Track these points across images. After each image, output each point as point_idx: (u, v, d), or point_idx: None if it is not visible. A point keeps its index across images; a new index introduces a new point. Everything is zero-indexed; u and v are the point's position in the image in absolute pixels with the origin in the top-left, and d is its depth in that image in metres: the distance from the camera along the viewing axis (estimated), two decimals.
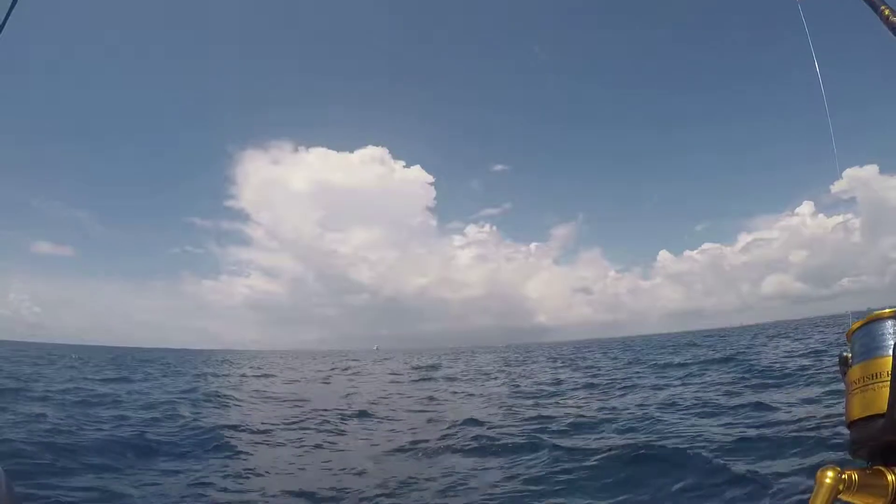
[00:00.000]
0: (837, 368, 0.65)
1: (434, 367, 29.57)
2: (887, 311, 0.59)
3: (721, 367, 16.32)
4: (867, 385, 0.55)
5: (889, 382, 0.53)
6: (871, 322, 0.59)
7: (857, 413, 0.56)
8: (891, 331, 0.57)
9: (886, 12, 0.84)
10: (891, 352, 0.54)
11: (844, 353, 0.64)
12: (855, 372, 0.59)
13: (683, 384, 13.70)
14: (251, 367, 31.38)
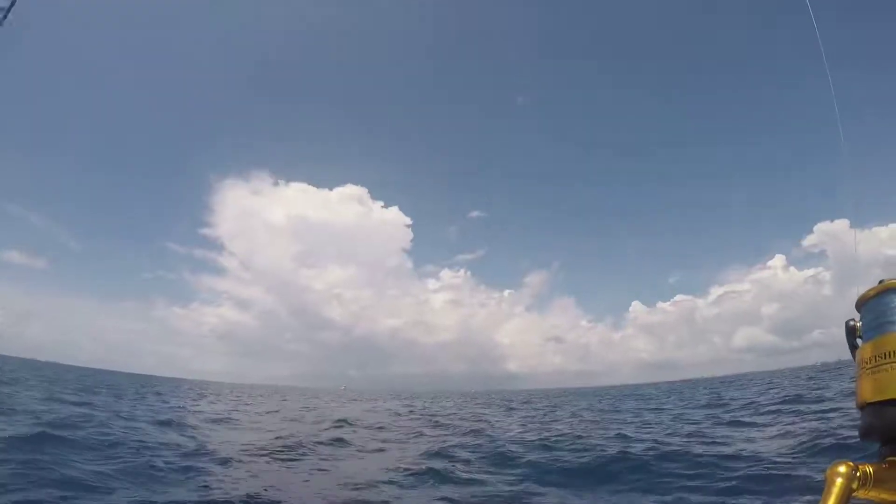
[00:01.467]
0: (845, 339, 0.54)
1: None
2: None
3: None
4: (880, 365, 0.47)
5: None
6: (886, 292, 0.50)
7: (870, 396, 0.49)
8: None
9: None
10: None
11: (852, 322, 0.55)
12: (866, 350, 0.50)
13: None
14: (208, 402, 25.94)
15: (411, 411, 23.84)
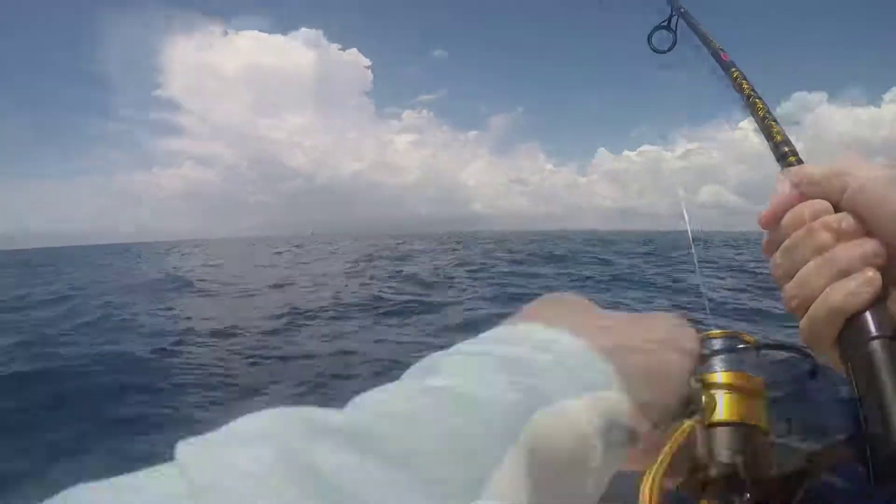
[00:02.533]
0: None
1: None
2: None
3: None
4: None
5: None
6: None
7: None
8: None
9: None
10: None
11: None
12: None
13: None
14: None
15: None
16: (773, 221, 0.49)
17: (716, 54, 0.84)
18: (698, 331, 0.43)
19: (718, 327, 0.57)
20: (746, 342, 0.54)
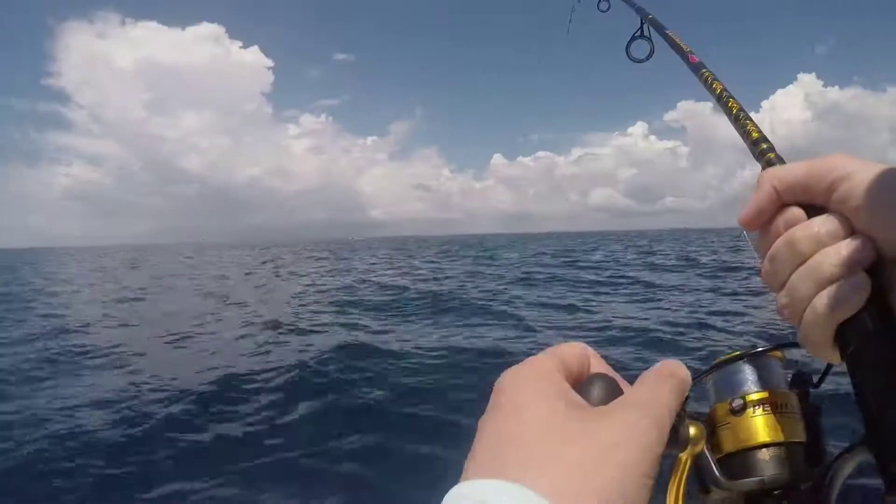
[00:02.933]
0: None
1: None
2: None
3: None
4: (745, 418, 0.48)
5: None
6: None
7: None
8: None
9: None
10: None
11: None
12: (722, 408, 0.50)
13: None
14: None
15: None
16: (752, 223, 0.47)
17: (685, 57, 0.85)
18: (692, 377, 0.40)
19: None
20: (745, 354, 0.53)
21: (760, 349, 0.53)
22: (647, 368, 0.38)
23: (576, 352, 0.39)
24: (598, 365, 0.40)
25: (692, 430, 0.40)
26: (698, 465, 0.50)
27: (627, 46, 1.20)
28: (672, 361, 0.38)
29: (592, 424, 0.31)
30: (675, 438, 0.39)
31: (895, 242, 0.40)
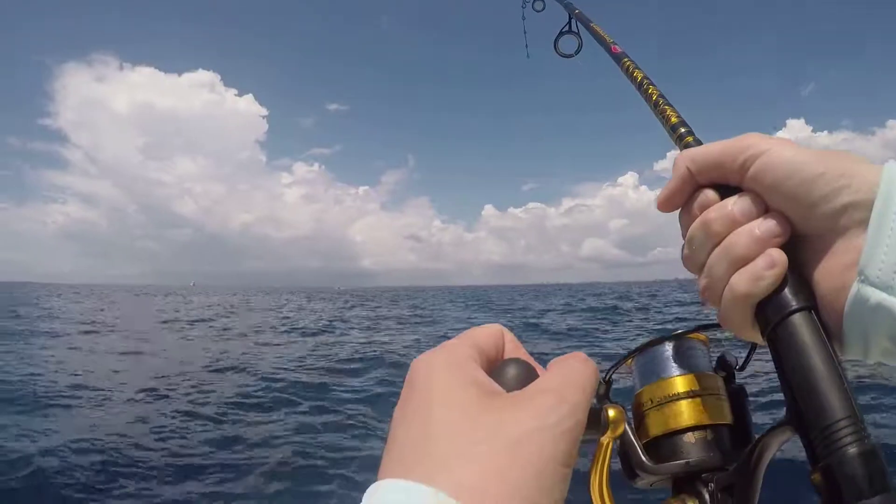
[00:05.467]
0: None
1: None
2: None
3: None
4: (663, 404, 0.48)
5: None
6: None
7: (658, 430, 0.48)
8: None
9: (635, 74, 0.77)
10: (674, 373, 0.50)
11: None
12: (644, 393, 0.51)
13: None
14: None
15: None
16: (668, 205, 0.48)
17: (607, 48, 0.87)
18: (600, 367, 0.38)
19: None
20: (657, 341, 0.53)
21: (682, 331, 0.53)
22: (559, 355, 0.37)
23: (491, 335, 0.38)
24: (514, 348, 0.39)
25: (612, 413, 0.39)
26: (624, 450, 0.50)
27: (556, 42, 1.20)
28: (580, 353, 0.37)
29: (506, 414, 0.30)
30: (595, 422, 0.38)
31: (809, 218, 0.41)
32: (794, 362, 0.38)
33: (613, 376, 0.55)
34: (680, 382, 0.50)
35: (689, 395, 0.49)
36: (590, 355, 0.36)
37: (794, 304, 0.39)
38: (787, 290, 0.40)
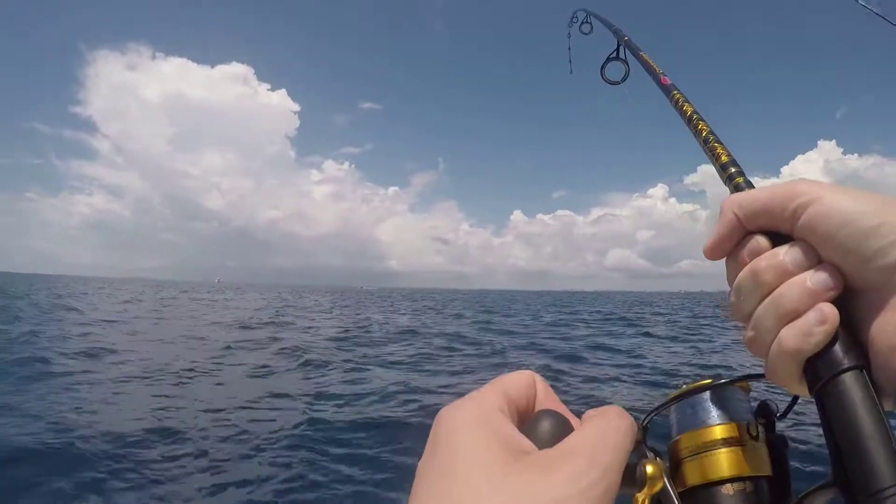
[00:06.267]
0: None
1: None
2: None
3: None
4: (700, 454, 0.47)
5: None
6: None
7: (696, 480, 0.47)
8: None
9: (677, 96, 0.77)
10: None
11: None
12: (685, 440, 0.49)
13: None
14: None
15: None
16: (716, 253, 0.46)
17: (657, 79, 0.85)
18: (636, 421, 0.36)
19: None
20: (698, 388, 0.51)
21: (725, 380, 0.51)
22: (592, 407, 0.35)
23: (522, 383, 0.36)
24: (546, 397, 0.37)
25: (650, 469, 0.37)
26: (660, 500, 0.47)
27: (602, 68, 1.18)
28: (616, 406, 0.35)
29: (534, 476, 0.28)
30: (632, 478, 0.36)
31: (864, 271, 0.39)
32: (843, 422, 0.36)
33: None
34: (719, 431, 0.48)
35: (729, 444, 0.48)
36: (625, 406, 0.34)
37: (845, 362, 0.38)
38: (837, 347, 0.38)
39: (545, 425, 0.33)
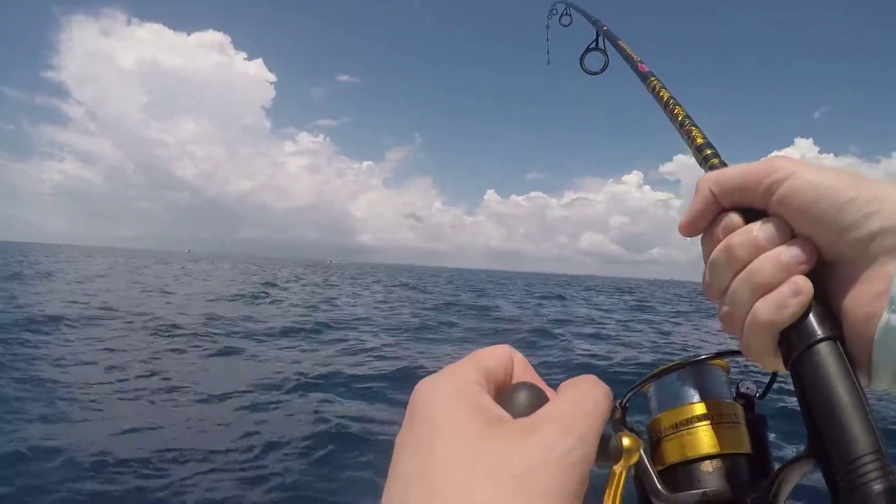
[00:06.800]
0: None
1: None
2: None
3: None
4: (680, 431, 0.47)
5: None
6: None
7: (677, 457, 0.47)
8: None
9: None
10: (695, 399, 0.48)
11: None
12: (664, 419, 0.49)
13: None
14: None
15: None
16: (691, 229, 0.46)
17: (634, 66, 0.87)
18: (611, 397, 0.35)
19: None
20: (675, 366, 0.51)
21: (702, 357, 0.52)
22: (568, 378, 0.34)
23: (499, 357, 0.36)
24: (523, 371, 0.37)
25: (626, 441, 0.38)
26: (639, 477, 0.49)
27: (582, 58, 1.18)
28: (591, 376, 0.34)
29: (512, 444, 0.28)
30: (608, 450, 0.36)
31: (837, 244, 0.39)
32: (817, 393, 0.36)
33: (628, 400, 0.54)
34: (698, 409, 0.49)
35: (708, 422, 0.48)
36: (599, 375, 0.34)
37: (819, 333, 0.38)
38: (811, 319, 0.39)
39: (521, 397, 0.33)
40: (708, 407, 0.49)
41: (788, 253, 0.40)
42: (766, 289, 0.40)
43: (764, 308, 0.40)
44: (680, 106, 0.71)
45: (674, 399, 0.51)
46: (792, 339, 0.39)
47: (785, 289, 0.39)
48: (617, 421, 0.52)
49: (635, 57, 0.89)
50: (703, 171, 0.58)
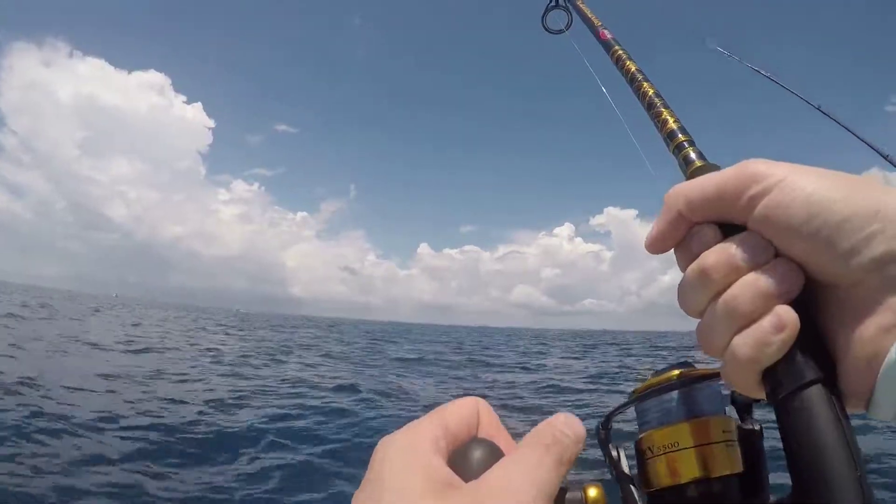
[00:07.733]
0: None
1: None
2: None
3: None
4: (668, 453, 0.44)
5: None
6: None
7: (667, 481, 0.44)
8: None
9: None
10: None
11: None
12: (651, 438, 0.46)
13: None
14: None
15: None
16: (657, 247, 0.40)
17: (595, 32, 0.76)
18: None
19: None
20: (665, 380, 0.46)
21: (694, 373, 0.46)
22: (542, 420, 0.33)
23: (465, 411, 0.35)
24: (490, 423, 0.36)
25: (592, 493, 0.34)
26: (626, 500, 0.47)
27: (543, 16, 1.11)
28: (560, 418, 0.33)
29: None
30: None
31: (830, 267, 0.34)
32: (804, 440, 0.33)
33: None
34: (685, 430, 0.45)
35: (696, 444, 0.44)
36: None
37: (806, 375, 0.34)
38: (798, 357, 0.34)
39: (474, 455, 0.32)
40: (695, 426, 0.45)
41: (770, 279, 0.35)
42: (745, 321, 0.35)
43: (743, 344, 0.35)
44: (649, 82, 0.62)
45: (659, 418, 0.47)
46: (776, 379, 0.35)
47: (766, 323, 0.34)
48: (602, 440, 0.50)
49: (597, 21, 0.79)
50: (676, 160, 0.51)
